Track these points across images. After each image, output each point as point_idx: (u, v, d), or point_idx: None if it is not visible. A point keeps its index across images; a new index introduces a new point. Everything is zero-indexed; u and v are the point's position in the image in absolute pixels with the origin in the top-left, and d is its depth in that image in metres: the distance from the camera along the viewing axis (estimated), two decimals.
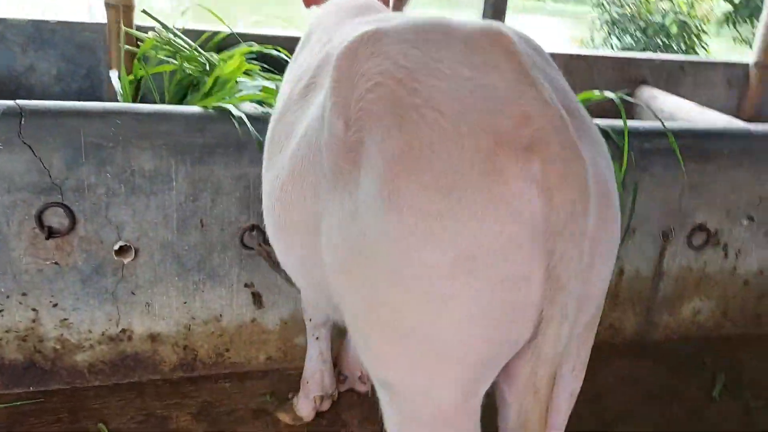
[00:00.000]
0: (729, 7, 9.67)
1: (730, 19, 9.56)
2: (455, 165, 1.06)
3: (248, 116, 2.28)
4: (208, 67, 2.67)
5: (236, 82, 2.51)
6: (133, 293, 2.42)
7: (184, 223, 2.37)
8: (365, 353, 1.32)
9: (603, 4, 10.89)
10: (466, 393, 1.24)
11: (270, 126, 1.74)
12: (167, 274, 2.43)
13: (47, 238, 2.25)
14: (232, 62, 2.52)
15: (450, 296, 1.10)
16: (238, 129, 2.27)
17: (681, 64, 4.03)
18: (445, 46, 1.19)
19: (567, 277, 1.07)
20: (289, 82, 1.75)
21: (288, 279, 2.38)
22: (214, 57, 2.73)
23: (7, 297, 2.31)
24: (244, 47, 2.79)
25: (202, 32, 3.10)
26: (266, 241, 2.34)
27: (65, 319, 2.39)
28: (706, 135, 2.82)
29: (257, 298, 2.56)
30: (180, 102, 2.65)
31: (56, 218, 2.25)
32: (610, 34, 10.63)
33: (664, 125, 2.65)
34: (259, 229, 2.44)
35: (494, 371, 1.25)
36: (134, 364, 2.51)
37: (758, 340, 3.15)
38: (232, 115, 2.26)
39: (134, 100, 2.78)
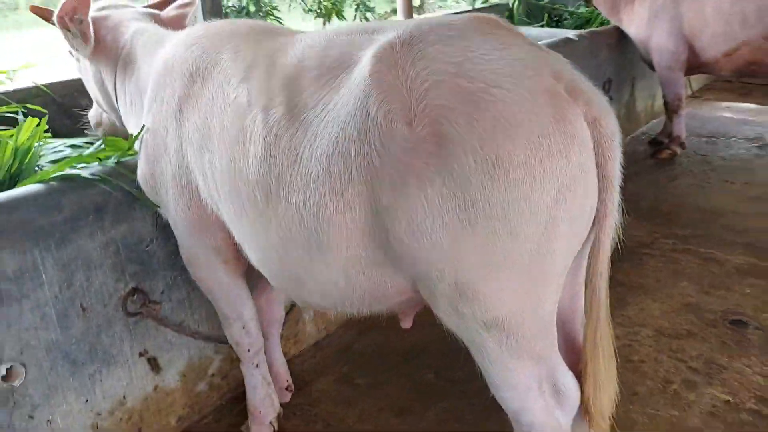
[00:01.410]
0: None
1: None
2: (534, 121, 1.43)
3: (98, 177, 2.13)
4: None
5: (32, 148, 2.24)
6: (31, 417, 2.07)
7: (64, 315, 2.11)
8: (471, 306, 1.55)
9: None
10: (555, 301, 1.63)
11: (246, 166, 1.74)
12: (61, 379, 2.13)
13: None
14: (25, 130, 2.23)
15: (555, 221, 1.47)
16: (93, 193, 2.12)
17: None
18: (465, 38, 1.52)
19: (614, 175, 1.55)
20: (228, 120, 1.79)
21: (179, 330, 2.37)
22: None
23: None
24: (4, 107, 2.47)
25: None
26: (151, 301, 2.28)
27: None
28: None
29: (154, 363, 2.41)
30: None
31: None
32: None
33: None
34: (138, 290, 2.30)
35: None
36: None
37: None
38: (89, 179, 2.09)
39: None
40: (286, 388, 2.62)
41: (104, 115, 2.67)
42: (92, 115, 2.78)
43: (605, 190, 1.56)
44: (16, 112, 2.60)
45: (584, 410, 1.75)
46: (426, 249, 1.52)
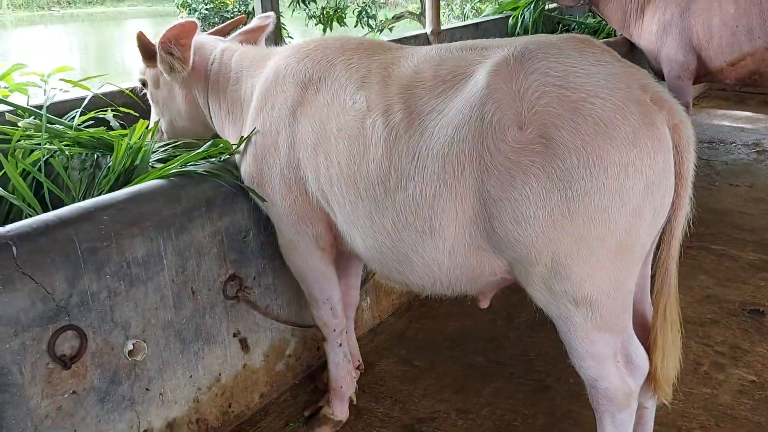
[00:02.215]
0: None
1: (298, 3, 11.17)
2: (629, 126, 1.70)
3: (211, 173, 2.38)
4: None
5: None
6: (147, 389, 2.31)
7: (178, 297, 2.35)
8: (564, 284, 1.82)
9: (188, 2, 11.36)
10: (635, 282, 1.90)
11: (366, 163, 2.01)
12: (172, 355, 2.37)
13: (65, 369, 2.02)
14: (137, 130, 2.47)
15: (642, 211, 1.75)
16: (205, 188, 2.37)
17: None
18: (565, 55, 1.79)
19: (689, 174, 1.83)
20: (346, 123, 2.06)
21: (265, 313, 2.62)
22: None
23: None
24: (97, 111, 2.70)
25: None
26: (245, 286, 2.53)
27: None
28: None
29: (244, 344, 2.65)
30: (90, 186, 2.45)
31: (67, 343, 2.03)
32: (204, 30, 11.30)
33: None
34: (235, 276, 2.55)
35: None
36: None
37: None
38: (203, 175, 2.34)
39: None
40: (357, 368, 2.88)
41: (164, 134, 2.83)
42: (154, 117, 2.88)
43: (681, 184, 1.84)
44: (106, 115, 2.82)
45: (652, 377, 2.04)
46: (528, 235, 1.80)
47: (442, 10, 15.20)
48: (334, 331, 2.57)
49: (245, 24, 2.88)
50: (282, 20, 11.60)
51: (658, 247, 1.99)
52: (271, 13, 2.88)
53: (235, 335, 2.60)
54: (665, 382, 2.05)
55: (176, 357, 2.39)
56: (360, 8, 11.65)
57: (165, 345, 2.34)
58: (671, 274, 1.96)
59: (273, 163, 2.28)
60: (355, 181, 2.05)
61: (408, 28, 12.74)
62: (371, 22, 11.66)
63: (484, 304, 2.33)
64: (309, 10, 11.96)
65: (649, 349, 2.03)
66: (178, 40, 2.44)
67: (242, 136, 2.36)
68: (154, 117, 2.83)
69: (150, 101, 2.80)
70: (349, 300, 2.75)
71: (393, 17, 13.42)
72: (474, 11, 11.63)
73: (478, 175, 1.82)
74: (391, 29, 11.95)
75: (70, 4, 40.48)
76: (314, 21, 12.45)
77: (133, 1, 42.11)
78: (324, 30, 12.56)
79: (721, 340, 3.18)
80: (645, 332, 2.09)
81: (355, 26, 11.93)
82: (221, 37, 2.76)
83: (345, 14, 12.37)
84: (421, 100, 1.96)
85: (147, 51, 2.55)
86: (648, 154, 1.73)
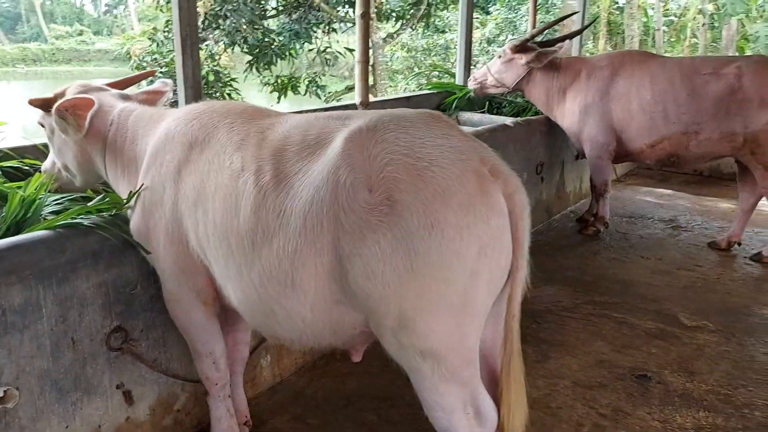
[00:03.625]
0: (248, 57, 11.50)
1: (253, 67, 11.47)
2: (465, 193, 1.86)
3: (98, 225, 2.47)
4: None
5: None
6: None
7: (57, 346, 2.40)
8: (410, 337, 1.94)
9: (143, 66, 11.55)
10: (478, 337, 2.04)
11: (237, 219, 2.13)
12: (47, 404, 2.40)
13: None
14: (33, 183, 2.56)
15: (478, 272, 1.90)
16: (91, 240, 2.45)
17: None
18: (415, 128, 1.97)
19: (524, 238, 2.00)
20: (222, 182, 2.20)
21: (153, 366, 2.68)
22: None
23: None
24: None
25: None
26: (131, 338, 2.60)
27: None
28: None
29: (128, 396, 2.69)
30: None
31: None
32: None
33: None
34: (121, 328, 2.61)
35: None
36: None
37: None
38: (90, 227, 2.43)
39: None
40: (245, 424, 2.91)
41: (62, 173, 2.93)
42: (46, 169, 3.01)
43: (517, 248, 2.00)
44: (15, 167, 2.92)
45: (500, 429, 2.14)
46: (376, 288, 1.92)
47: (395, 84, 15.78)
48: (216, 384, 2.63)
49: (154, 77, 3.03)
50: (236, 85, 11.81)
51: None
52: (170, 81, 3.04)
53: (118, 387, 2.64)
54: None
55: (52, 406, 2.41)
56: (310, 78, 12.05)
57: (40, 393, 2.36)
58: (514, 332, 2.10)
59: (159, 218, 2.39)
60: (228, 236, 2.17)
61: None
62: (319, 92, 12.05)
63: (356, 358, 2.43)
64: (264, 77, 12.33)
65: (497, 403, 2.15)
66: (74, 110, 2.58)
67: (131, 191, 2.48)
68: (50, 157, 2.94)
69: (48, 142, 2.92)
70: (237, 355, 2.82)
71: (346, 87, 13.90)
72: (419, 87, 12.14)
73: (335, 232, 1.96)
74: (338, 100, 12.34)
75: (35, 61, 40.65)
76: (269, 88, 12.83)
77: (99, 61, 42.50)
78: (278, 98, 12.93)
79: (605, 403, 3.31)
80: (496, 386, 2.21)
81: (305, 94, 12.31)
82: (120, 92, 2.89)
83: (299, 83, 12.78)
84: (288, 162, 2.11)
85: (44, 105, 2.69)
86: (482, 218, 1.89)
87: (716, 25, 19.04)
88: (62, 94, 2.73)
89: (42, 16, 46.02)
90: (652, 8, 20.03)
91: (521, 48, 5.84)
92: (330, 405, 3.27)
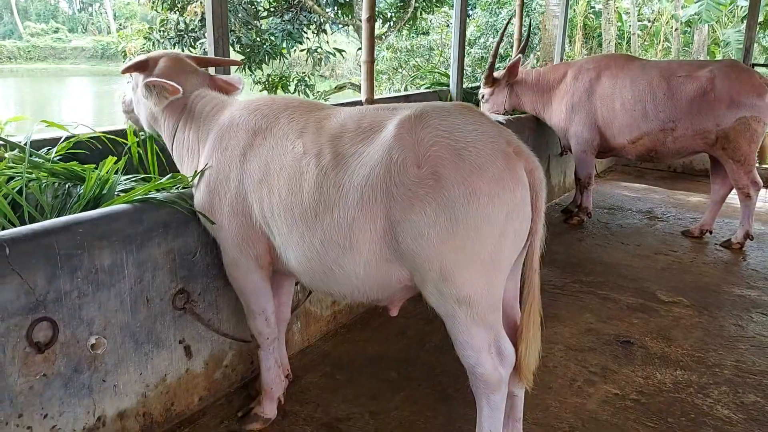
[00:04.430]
0: None
1: (245, 66, 11.80)
2: (496, 169, 2.30)
3: (169, 200, 2.87)
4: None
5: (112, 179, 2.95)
6: (104, 381, 2.71)
7: (135, 303, 2.79)
8: (449, 287, 2.36)
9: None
10: (503, 287, 2.48)
11: (301, 194, 2.54)
12: (127, 353, 2.79)
13: (39, 353, 2.43)
14: (106, 165, 2.95)
15: (505, 233, 2.34)
16: (163, 213, 2.85)
17: None
18: (453, 116, 2.40)
19: (542, 206, 2.44)
20: (286, 163, 2.60)
21: (207, 325, 3.08)
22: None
23: (6, 424, 2.37)
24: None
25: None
26: (191, 299, 3.00)
27: (54, 426, 2.53)
28: None
29: (188, 350, 3.08)
30: (62, 210, 2.88)
31: (42, 332, 2.44)
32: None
33: None
34: (184, 290, 3.01)
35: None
36: None
37: None
38: (162, 202, 2.83)
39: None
40: (286, 376, 3.33)
41: (134, 112, 3.34)
42: (126, 101, 3.41)
43: (536, 214, 2.44)
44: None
45: (518, 366, 2.58)
46: (422, 248, 2.35)
47: (387, 84, 16.21)
48: (267, 339, 3.04)
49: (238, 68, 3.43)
50: None
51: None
52: (244, 80, 3.43)
53: (180, 342, 3.03)
54: (527, 369, 2.59)
55: (130, 355, 2.80)
56: (299, 78, 12.43)
57: (121, 343, 2.75)
58: (534, 284, 2.53)
59: (224, 194, 2.80)
60: (292, 208, 2.59)
61: (351, 97, 13.57)
62: (308, 91, 12.43)
63: (394, 312, 2.86)
64: (255, 75, 12.68)
65: (516, 343, 2.59)
66: (161, 90, 2.96)
67: (196, 170, 2.88)
68: (130, 94, 3.36)
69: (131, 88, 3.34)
70: (281, 315, 3.23)
71: (335, 87, 14.30)
72: (414, 87, 12.59)
73: (387, 202, 2.39)
74: (326, 99, 12.74)
75: (10, 59, 40.32)
76: (259, 87, 13.17)
77: (76, 59, 42.25)
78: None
79: (595, 363, 3.78)
80: (514, 331, 2.65)
81: (294, 92, 12.67)
82: (206, 72, 3.28)
83: (289, 82, 13.15)
84: (345, 145, 2.53)
85: (137, 67, 3.09)
86: (509, 189, 2.34)
87: (687, 30, 19.82)
88: (155, 63, 3.09)
89: (17, 13, 45.61)
90: (627, 13, 20.75)
91: (492, 80, 6.52)
92: (355, 365, 3.69)
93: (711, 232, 6.17)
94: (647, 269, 5.30)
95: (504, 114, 6.63)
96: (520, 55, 6.75)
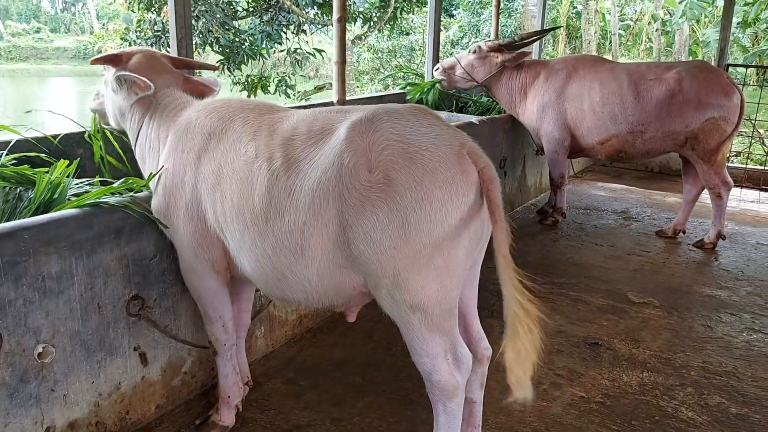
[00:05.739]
0: None
1: (224, 66, 11.72)
2: (449, 172, 2.26)
3: (121, 204, 2.81)
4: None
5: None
6: (52, 390, 2.64)
7: (86, 310, 2.72)
8: (403, 293, 2.31)
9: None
10: (458, 293, 2.43)
11: (252, 198, 2.49)
12: (77, 361, 2.72)
13: None
14: (57, 168, 2.88)
15: (460, 236, 2.29)
16: (115, 217, 2.79)
17: None
18: (405, 119, 2.35)
19: (497, 200, 2.38)
20: (238, 167, 2.55)
21: (164, 331, 3.02)
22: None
23: None
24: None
25: None
26: (146, 306, 2.94)
27: None
28: None
29: (143, 358, 3.02)
30: (11, 215, 2.81)
31: None
32: None
33: None
34: (138, 296, 2.94)
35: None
36: None
37: None
38: (114, 206, 2.76)
39: None
40: (246, 383, 3.27)
41: (103, 105, 3.30)
42: (97, 94, 3.39)
43: (494, 208, 2.31)
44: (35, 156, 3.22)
45: (509, 372, 2.37)
46: (375, 253, 2.31)
47: (365, 85, 16.16)
48: (225, 345, 2.98)
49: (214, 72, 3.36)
50: None
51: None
52: (221, 82, 3.37)
53: (135, 349, 2.97)
54: (518, 382, 2.40)
55: (81, 363, 2.73)
56: (279, 78, 12.36)
57: (71, 351, 2.69)
58: (508, 271, 2.31)
59: (179, 197, 2.74)
60: (244, 213, 2.53)
61: (329, 96, 13.57)
62: (289, 91, 12.36)
63: (351, 318, 2.81)
64: (234, 76, 12.59)
65: (504, 350, 2.37)
66: (132, 84, 2.92)
67: (151, 173, 2.82)
68: (101, 89, 3.33)
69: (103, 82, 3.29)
70: (240, 321, 3.17)
71: (315, 87, 14.24)
72: (397, 87, 12.60)
73: (339, 206, 2.34)
74: (307, 99, 12.67)
75: None
76: (239, 87, 13.09)
77: (58, 59, 41.84)
78: (248, 97, 13.20)
79: (562, 366, 3.76)
80: (470, 337, 2.61)
81: (274, 93, 12.61)
82: (181, 73, 3.24)
83: (269, 83, 13.07)
84: (297, 149, 2.48)
85: (109, 60, 3.08)
86: (463, 193, 2.30)
87: (669, 30, 19.94)
88: (129, 57, 3.07)
89: None
90: (609, 13, 20.85)
91: (500, 48, 6.30)
92: (319, 370, 3.64)
93: (684, 232, 6.17)
94: (620, 270, 5.30)
95: (468, 87, 6.58)
96: (531, 46, 6.60)
